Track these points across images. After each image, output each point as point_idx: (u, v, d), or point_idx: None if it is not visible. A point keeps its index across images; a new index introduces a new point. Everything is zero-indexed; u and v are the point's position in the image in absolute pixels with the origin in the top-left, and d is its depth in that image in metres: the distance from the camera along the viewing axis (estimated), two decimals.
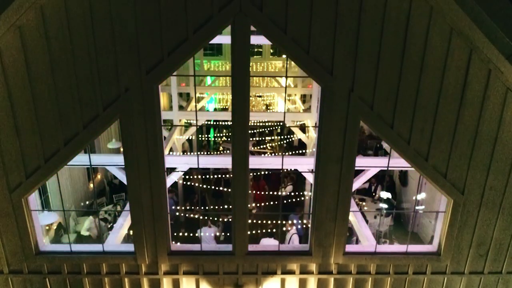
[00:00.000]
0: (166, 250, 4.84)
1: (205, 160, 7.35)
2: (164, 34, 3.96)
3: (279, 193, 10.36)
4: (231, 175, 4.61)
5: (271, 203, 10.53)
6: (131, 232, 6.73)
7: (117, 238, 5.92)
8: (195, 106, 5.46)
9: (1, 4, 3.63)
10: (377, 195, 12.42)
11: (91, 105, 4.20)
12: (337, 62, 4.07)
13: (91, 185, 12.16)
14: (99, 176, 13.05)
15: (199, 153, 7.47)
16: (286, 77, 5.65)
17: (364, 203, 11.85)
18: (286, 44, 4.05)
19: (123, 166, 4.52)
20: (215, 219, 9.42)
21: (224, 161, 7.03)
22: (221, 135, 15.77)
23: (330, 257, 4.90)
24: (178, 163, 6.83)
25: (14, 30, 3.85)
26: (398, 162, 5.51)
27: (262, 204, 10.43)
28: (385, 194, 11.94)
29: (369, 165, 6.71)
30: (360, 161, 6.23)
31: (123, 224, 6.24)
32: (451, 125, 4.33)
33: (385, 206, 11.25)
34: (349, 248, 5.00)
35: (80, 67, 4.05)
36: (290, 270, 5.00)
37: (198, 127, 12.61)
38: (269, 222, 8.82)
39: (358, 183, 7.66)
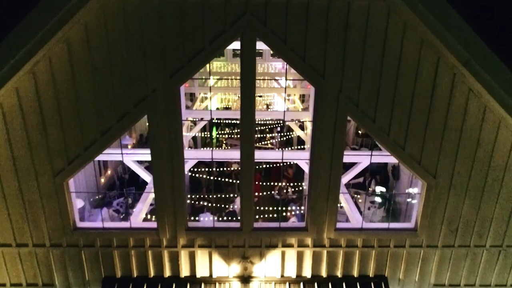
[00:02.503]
0: (184, 227, 5.70)
1: (218, 154, 8.21)
2: (185, 44, 4.81)
3: (278, 184, 11.20)
4: (238, 167, 5.46)
5: (267, 192, 11.30)
6: (148, 215, 7.62)
7: (137, 220, 6.77)
8: (209, 104, 6.35)
9: (54, 22, 4.48)
10: (371, 189, 13.28)
11: (123, 103, 5.05)
12: (328, 68, 4.92)
13: (102, 180, 13.00)
14: (109, 172, 13.89)
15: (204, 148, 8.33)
16: (286, 79, 6.52)
17: (358, 196, 12.71)
18: (286, 53, 4.90)
19: (139, 160, 5.33)
20: (216, 206, 10.20)
21: (233, 155, 7.87)
22: (224, 132, 16.62)
23: (323, 233, 5.76)
24: (193, 156, 7.66)
25: (63, 42, 4.70)
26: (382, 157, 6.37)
27: (257, 193, 11.12)
28: (379, 188, 12.77)
29: (355, 159, 7.62)
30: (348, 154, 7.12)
31: (142, 208, 7.09)
32: (424, 119, 5.19)
33: (378, 200, 12.10)
34: (340, 225, 5.87)
35: (115, 72, 4.90)
36: (289, 244, 5.86)
37: (209, 121, 13.42)
38: (270, 208, 9.65)
39: (350, 175, 8.57)
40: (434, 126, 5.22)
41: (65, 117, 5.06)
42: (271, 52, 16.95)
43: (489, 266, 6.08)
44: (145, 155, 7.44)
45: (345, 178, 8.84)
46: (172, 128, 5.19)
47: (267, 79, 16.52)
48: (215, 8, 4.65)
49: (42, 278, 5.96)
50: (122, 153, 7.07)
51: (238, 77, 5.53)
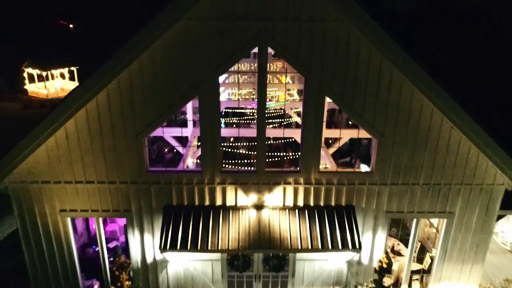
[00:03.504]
0: (219, 170, 8.64)
1: (243, 131, 11.18)
2: (224, 50, 7.74)
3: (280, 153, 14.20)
4: (256, 136, 8.40)
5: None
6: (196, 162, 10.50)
7: (187, 165, 9.72)
8: (238, 95, 9.29)
9: (140, 51, 7.41)
10: (356, 167, 16.22)
11: (183, 88, 7.98)
12: (313, 65, 7.86)
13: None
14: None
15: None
16: (286, 75, 9.46)
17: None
18: (288, 57, 7.84)
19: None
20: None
21: (252, 132, 10.78)
22: (231, 120, 19.57)
23: (311, 174, 8.71)
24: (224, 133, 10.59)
25: (139, 60, 7.64)
26: (357, 133, 9.29)
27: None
28: (363, 165, 15.72)
29: (339, 135, 10.61)
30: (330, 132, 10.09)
31: (190, 159, 10.06)
32: (374, 99, 8.12)
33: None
34: (322, 169, 8.81)
35: (177, 70, 7.83)
36: (288, 182, 8.81)
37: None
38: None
39: (333, 148, 11.53)
40: (381, 103, 8.16)
41: (146, 96, 8.00)
42: (273, 54, 19.97)
43: (422, 198, 9.03)
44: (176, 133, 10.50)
45: (331, 150, 11.84)
46: (214, 105, 8.13)
47: (271, 73, 19.57)
48: (244, 28, 7.59)
49: (123, 206, 8.91)
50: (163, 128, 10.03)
51: (246, 74, 8.45)
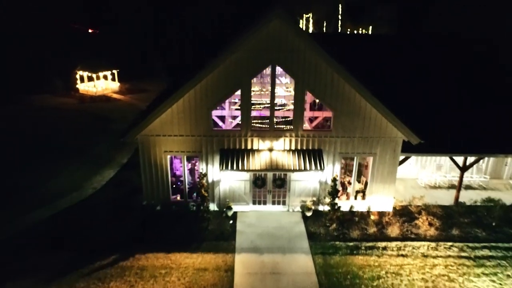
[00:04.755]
0: (249, 129, 16.35)
1: (263, 112, 18.90)
2: (254, 66, 15.44)
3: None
4: (269, 115, 16.11)
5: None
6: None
7: (233, 125, 17.43)
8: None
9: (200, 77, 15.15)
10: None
11: (232, 85, 15.70)
12: (300, 72, 15.55)
13: None
14: None
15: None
16: (286, 77, 17.18)
17: None
18: (286, 69, 15.54)
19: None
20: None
21: (266, 112, 18.56)
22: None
23: (298, 131, 16.39)
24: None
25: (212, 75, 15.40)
26: (324, 113, 17.04)
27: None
28: None
29: (318, 114, 18.35)
30: (313, 112, 17.89)
31: (234, 121, 17.79)
32: (331, 90, 15.79)
33: None
34: (305, 128, 16.53)
35: (229, 75, 15.54)
36: (286, 135, 16.50)
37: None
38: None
39: (316, 121, 19.26)
40: (335, 92, 15.82)
41: (213, 90, 15.71)
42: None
43: (359, 145, 16.70)
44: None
45: (315, 122, 19.58)
46: (247, 92, 15.84)
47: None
48: (265, 54, 15.28)
49: (197, 149, 16.63)
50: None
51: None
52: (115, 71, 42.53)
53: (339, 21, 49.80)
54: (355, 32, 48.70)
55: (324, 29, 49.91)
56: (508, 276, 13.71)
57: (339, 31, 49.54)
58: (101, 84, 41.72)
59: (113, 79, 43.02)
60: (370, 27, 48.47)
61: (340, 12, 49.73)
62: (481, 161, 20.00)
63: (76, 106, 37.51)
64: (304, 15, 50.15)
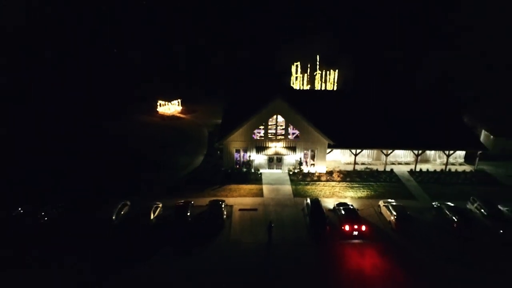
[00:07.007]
0: (267, 138, 41.57)
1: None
2: (270, 114, 40.59)
3: None
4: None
5: None
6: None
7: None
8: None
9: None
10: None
11: (260, 122, 40.86)
12: (287, 118, 40.71)
13: None
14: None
15: None
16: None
17: None
18: (285, 118, 40.69)
19: None
20: None
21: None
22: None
23: (286, 139, 41.51)
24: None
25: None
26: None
27: None
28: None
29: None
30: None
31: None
32: (301, 127, 40.86)
33: None
34: (289, 138, 41.72)
35: (258, 120, 40.72)
36: (281, 140, 41.67)
37: None
38: None
39: (293, 135, 45.02)
40: (301, 125, 40.93)
41: (254, 122, 40.88)
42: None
43: (312, 144, 41.83)
44: None
45: (292, 136, 45.29)
46: (266, 124, 41.01)
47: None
48: (272, 111, 40.54)
49: (247, 146, 41.91)
50: None
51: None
52: (179, 100, 67.96)
53: (317, 65, 75.98)
54: (328, 72, 74.41)
55: (308, 72, 75.56)
56: (361, 192, 38.79)
57: (317, 70, 75.33)
58: (172, 108, 67.11)
59: (179, 105, 68.46)
60: (337, 70, 73.94)
61: (318, 60, 76.29)
62: (369, 151, 45.12)
63: (160, 122, 62.96)
64: (294, 63, 76.18)
